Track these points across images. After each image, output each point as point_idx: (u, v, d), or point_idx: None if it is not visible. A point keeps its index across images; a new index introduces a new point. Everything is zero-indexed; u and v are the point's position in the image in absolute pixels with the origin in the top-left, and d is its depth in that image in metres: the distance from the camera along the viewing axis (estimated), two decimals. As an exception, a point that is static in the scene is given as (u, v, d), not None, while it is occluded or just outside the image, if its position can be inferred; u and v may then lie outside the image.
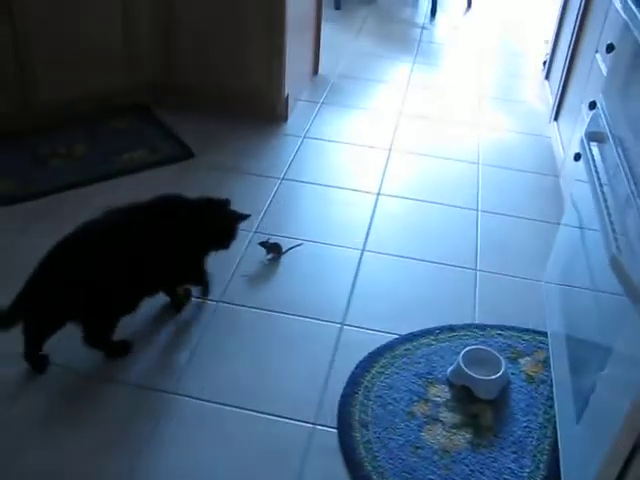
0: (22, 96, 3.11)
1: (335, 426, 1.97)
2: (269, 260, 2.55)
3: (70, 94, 3.23)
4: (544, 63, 4.12)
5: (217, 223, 2.25)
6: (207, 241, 2.26)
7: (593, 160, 1.86)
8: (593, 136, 1.97)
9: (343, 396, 2.05)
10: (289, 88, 3.40)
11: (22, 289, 1.97)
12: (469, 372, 2.06)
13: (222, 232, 2.28)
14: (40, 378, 2.06)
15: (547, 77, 3.95)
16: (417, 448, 1.92)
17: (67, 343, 2.16)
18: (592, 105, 2.18)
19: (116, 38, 3.24)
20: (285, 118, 3.46)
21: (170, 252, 2.11)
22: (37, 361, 2.08)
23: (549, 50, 3.95)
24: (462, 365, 2.08)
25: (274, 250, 2.56)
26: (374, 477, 1.83)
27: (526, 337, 2.30)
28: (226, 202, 2.29)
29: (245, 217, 2.32)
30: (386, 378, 2.11)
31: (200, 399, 2.02)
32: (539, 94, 3.99)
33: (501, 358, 2.13)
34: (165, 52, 3.37)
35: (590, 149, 1.92)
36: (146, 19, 3.27)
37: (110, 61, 3.27)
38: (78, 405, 2.00)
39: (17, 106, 3.12)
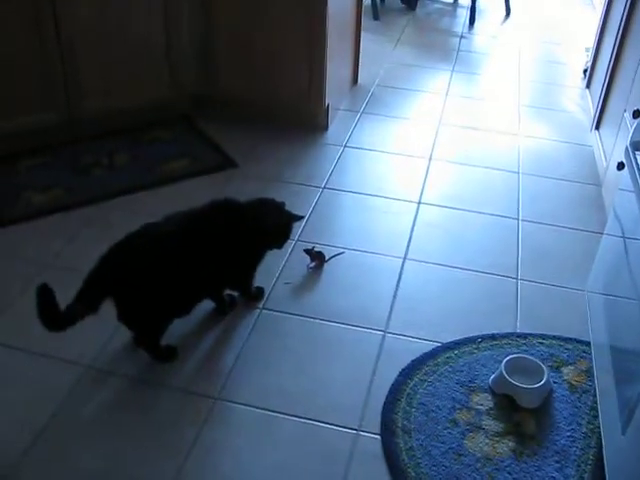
0: (67, 108, 3.19)
1: (378, 432, 1.99)
2: (312, 268, 2.59)
3: (113, 105, 3.30)
4: (584, 71, 4.11)
5: (274, 221, 2.31)
6: (264, 239, 2.31)
7: (638, 169, 1.86)
8: (638, 145, 1.97)
9: (386, 403, 2.07)
10: (329, 98, 3.44)
11: (82, 286, 2.04)
12: (512, 380, 2.07)
13: (278, 231, 2.35)
14: (88, 383, 2.11)
15: (588, 86, 3.94)
16: (460, 455, 1.93)
17: (114, 347, 2.23)
18: (637, 114, 2.18)
19: (159, 50, 3.31)
20: (326, 127, 3.50)
21: (229, 252, 2.18)
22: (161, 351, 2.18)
23: (590, 58, 3.94)
24: (504, 373, 2.09)
25: (317, 258, 2.59)
26: (417, 484, 1.85)
27: (569, 346, 2.30)
28: (281, 204, 2.37)
29: (300, 218, 2.42)
30: (428, 385, 2.13)
31: (245, 404, 2.05)
32: (579, 103, 3.98)
33: (544, 367, 2.13)
34: (206, 63, 3.43)
35: (635, 158, 1.92)
36: (188, 31, 3.34)
37: (153, 73, 3.34)
38: (125, 409, 2.05)
39: (62, 117, 3.21)
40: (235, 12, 3.30)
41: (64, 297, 2.36)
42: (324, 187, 3.07)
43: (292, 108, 3.46)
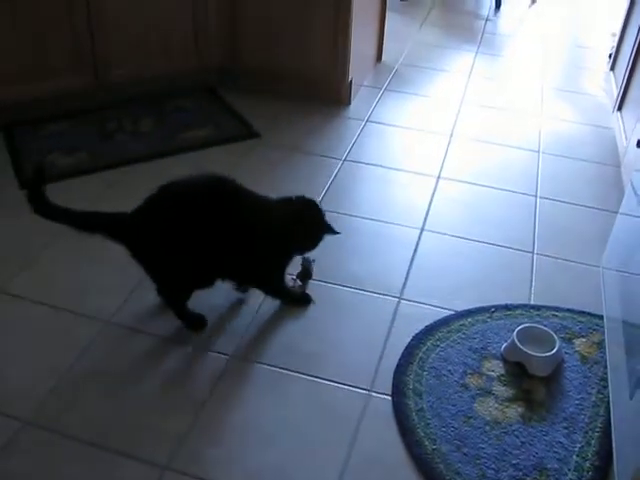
0: (94, 74, 3.24)
1: (389, 394, 2.02)
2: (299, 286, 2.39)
3: (139, 73, 3.35)
4: (610, 55, 4.09)
5: (309, 230, 2.20)
6: (289, 245, 2.20)
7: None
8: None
9: (398, 366, 2.11)
10: (353, 73, 3.46)
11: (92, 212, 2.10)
12: (523, 348, 2.09)
13: (310, 239, 2.22)
14: (107, 338, 2.16)
15: (612, 68, 3.92)
16: (469, 418, 1.96)
17: (133, 306, 2.28)
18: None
19: (187, 19, 3.35)
20: (348, 102, 3.52)
21: (245, 241, 2.07)
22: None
23: (615, 42, 3.92)
24: (517, 341, 2.11)
25: (304, 277, 2.40)
26: (426, 443, 1.89)
27: (582, 319, 2.32)
28: (321, 211, 2.23)
29: (335, 232, 2.23)
30: (441, 351, 2.16)
31: (259, 362, 2.10)
32: (603, 86, 3.97)
33: (555, 337, 2.15)
34: (232, 34, 3.47)
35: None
36: (215, 1, 3.37)
37: (180, 42, 3.38)
38: (141, 363, 2.10)
39: (89, 83, 3.26)
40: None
41: (85, 257, 2.43)
42: (344, 159, 3.10)
43: (316, 82, 3.49)
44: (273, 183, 2.90)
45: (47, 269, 2.43)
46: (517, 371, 2.11)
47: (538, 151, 3.28)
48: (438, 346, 2.18)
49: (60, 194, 2.75)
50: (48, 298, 2.30)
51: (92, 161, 3.01)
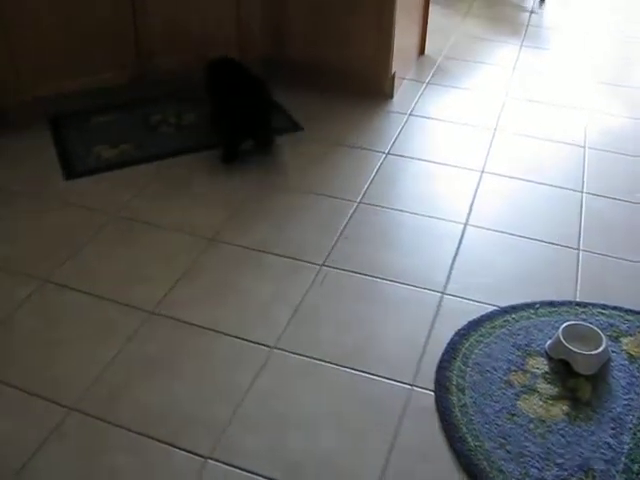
0: (139, 66, 3.27)
1: (432, 389, 2.01)
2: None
3: (183, 66, 3.36)
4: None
5: None
6: None
7: None
8: None
9: (441, 361, 2.09)
10: (396, 67, 3.44)
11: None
12: (569, 346, 2.06)
13: None
14: (151, 327, 2.18)
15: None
16: (513, 415, 1.94)
17: (175, 296, 2.29)
18: None
19: (230, 12, 3.36)
20: (391, 95, 3.50)
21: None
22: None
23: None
24: (562, 339, 2.08)
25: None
26: (469, 439, 1.87)
27: (629, 317, 2.27)
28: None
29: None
30: (484, 347, 2.14)
31: (301, 354, 2.10)
32: (652, 80, 3.89)
33: (602, 334, 2.12)
34: (276, 27, 3.47)
35: None
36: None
37: (223, 35, 3.39)
38: (184, 352, 2.11)
39: (133, 76, 3.29)
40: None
41: (130, 248, 2.46)
42: (388, 153, 3.08)
43: (359, 75, 3.47)
44: (317, 176, 2.91)
45: (92, 259, 2.46)
46: (562, 369, 2.08)
47: (584, 146, 3.23)
48: (482, 342, 2.15)
49: (105, 186, 2.83)
50: (93, 288, 2.33)
51: (137, 153, 3.04)
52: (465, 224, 2.66)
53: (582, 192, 2.89)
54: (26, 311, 2.25)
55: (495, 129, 3.32)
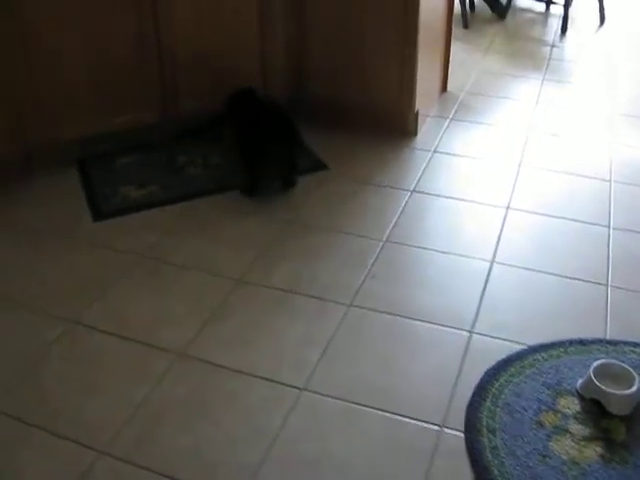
0: (163, 108, 3.32)
1: (462, 430, 1.99)
2: None
3: (207, 106, 3.40)
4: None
5: None
6: None
7: None
8: None
9: (471, 401, 2.07)
10: (419, 104, 3.46)
11: None
12: (601, 385, 2.04)
13: None
14: (179, 369, 2.19)
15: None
16: (545, 457, 1.91)
17: (204, 336, 2.30)
18: None
19: (253, 52, 3.42)
20: (415, 132, 3.52)
21: None
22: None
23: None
24: (593, 378, 2.06)
25: None
26: (502, 482, 1.85)
27: (661, 355, 2.25)
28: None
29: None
30: (514, 386, 2.12)
31: (331, 396, 2.09)
32: (676, 112, 3.88)
33: (634, 373, 2.09)
34: (299, 65, 3.52)
35: None
36: (281, 34, 3.43)
37: (247, 75, 3.43)
38: (214, 394, 2.11)
39: (159, 117, 3.33)
40: (328, 16, 3.37)
41: (158, 289, 2.48)
42: (413, 190, 3.09)
43: (382, 113, 3.50)
44: (343, 215, 2.93)
45: (120, 301, 2.48)
46: (594, 409, 2.05)
47: (609, 180, 3.22)
48: (511, 382, 2.14)
49: (132, 226, 2.86)
50: (122, 329, 2.34)
51: (163, 194, 3.07)
52: (492, 261, 2.66)
53: (609, 227, 2.88)
54: (56, 353, 2.27)
55: (519, 164, 3.32)
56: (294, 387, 2.12)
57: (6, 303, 2.47)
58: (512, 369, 2.18)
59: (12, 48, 2.90)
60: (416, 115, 3.47)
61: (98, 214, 2.95)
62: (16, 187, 3.08)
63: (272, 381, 2.14)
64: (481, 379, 2.15)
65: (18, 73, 2.96)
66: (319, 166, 3.26)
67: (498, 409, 2.05)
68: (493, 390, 2.11)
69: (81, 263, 2.67)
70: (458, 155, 3.40)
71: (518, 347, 2.26)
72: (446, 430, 1.99)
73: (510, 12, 5.40)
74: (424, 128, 3.60)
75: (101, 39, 3.10)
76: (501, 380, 2.14)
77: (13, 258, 2.70)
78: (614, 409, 2.03)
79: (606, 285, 2.55)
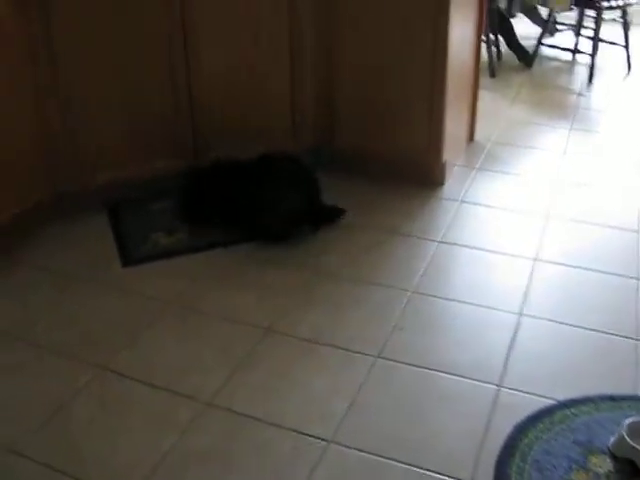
0: (194, 156, 3.38)
1: (491, 487, 1.97)
2: None
3: (236, 155, 3.44)
4: None
5: None
6: None
7: None
8: None
9: (499, 457, 2.05)
10: (446, 154, 3.48)
11: None
12: (634, 444, 2.00)
13: None
14: (206, 421, 2.18)
15: None
16: (576, 517, 1.88)
17: (233, 385, 2.30)
18: None
19: (284, 102, 3.48)
20: (442, 183, 3.54)
21: None
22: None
23: None
24: (626, 436, 2.03)
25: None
26: (532, 542, 1.82)
27: (694, 413, 2.21)
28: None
29: None
30: (544, 443, 2.09)
31: (357, 449, 2.08)
32: None
33: (668, 432, 2.06)
34: (327, 116, 3.56)
35: None
36: (311, 83, 3.49)
37: (276, 125, 3.50)
38: (239, 446, 2.10)
39: (190, 165, 3.37)
40: (358, 66, 3.42)
41: (187, 336, 2.50)
42: (440, 241, 3.10)
43: (409, 163, 3.52)
44: (370, 265, 2.94)
45: (149, 348, 2.50)
46: (627, 468, 2.01)
47: (638, 230, 3.20)
48: (541, 438, 2.11)
49: (161, 273, 2.89)
50: (150, 377, 2.35)
51: (192, 241, 3.11)
52: (520, 314, 2.64)
53: (638, 279, 2.86)
54: (84, 399, 2.28)
55: (547, 215, 3.32)
56: (321, 439, 2.11)
57: (36, 347, 2.50)
58: (541, 425, 2.15)
59: (47, 97, 2.99)
60: (443, 165, 3.50)
61: (128, 259, 2.99)
62: (48, 230, 3.13)
63: (299, 432, 2.13)
64: (510, 434, 2.12)
65: (54, 121, 3.04)
66: (344, 214, 3.26)
67: (527, 466, 2.02)
68: (522, 446, 2.08)
69: (110, 308, 2.70)
70: (485, 205, 3.41)
71: (547, 402, 2.24)
72: (475, 487, 1.97)
73: (537, 61, 5.44)
74: (451, 178, 3.62)
75: (134, 90, 3.18)
76: (530, 436, 2.12)
77: (43, 301, 2.74)
78: (647, 469, 1.99)
79: (636, 339, 2.52)
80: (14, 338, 2.55)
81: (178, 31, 3.16)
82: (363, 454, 2.06)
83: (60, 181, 3.16)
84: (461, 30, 3.44)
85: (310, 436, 2.12)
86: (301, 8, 3.33)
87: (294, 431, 2.14)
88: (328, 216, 3.18)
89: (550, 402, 2.24)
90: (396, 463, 2.03)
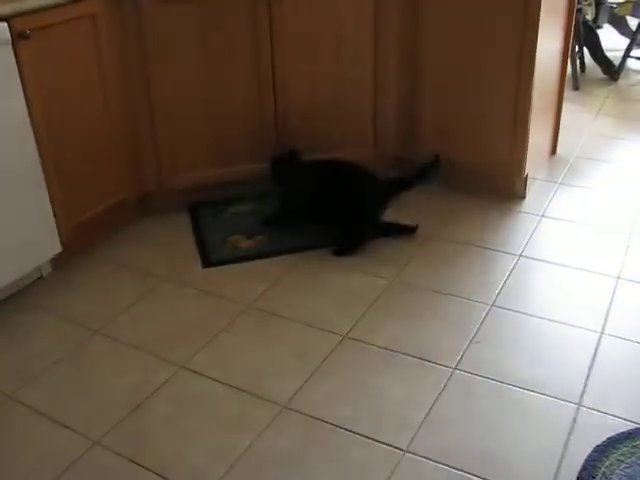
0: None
1: (570, 509, 1.94)
2: None
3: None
4: None
5: None
6: None
7: None
8: None
9: (580, 478, 2.01)
10: (529, 167, 3.44)
11: None
12: None
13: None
14: (282, 425, 2.21)
15: None
16: None
17: (310, 389, 2.32)
18: None
19: (365, 108, 3.51)
20: (523, 196, 3.49)
21: None
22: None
23: None
24: None
25: None
26: None
27: None
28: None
29: None
30: (626, 467, 2.04)
31: (432, 460, 2.07)
32: None
33: None
34: (409, 127, 3.56)
35: None
36: (393, 90, 3.50)
37: (359, 135, 3.55)
38: (313, 451, 2.11)
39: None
40: (441, 75, 3.41)
41: (265, 339, 2.53)
42: (520, 255, 3.06)
43: (491, 175, 3.49)
44: (448, 276, 2.92)
45: (226, 349, 2.54)
46: None
47: None
48: (623, 462, 2.06)
49: (240, 276, 2.94)
50: (227, 377, 2.40)
51: (272, 245, 3.15)
52: (601, 332, 2.59)
53: None
54: (163, 396, 2.34)
55: (630, 232, 3.24)
56: (396, 448, 2.11)
57: (114, 342, 2.59)
58: (624, 448, 2.10)
59: (141, 109, 3.13)
60: (525, 178, 3.45)
61: (207, 261, 3.05)
62: (130, 228, 3.25)
63: (374, 440, 2.14)
64: (589, 455, 2.07)
65: (143, 127, 3.17)
66: (422, 224, 3.26)
67: (608, 489, 1.98)
68: (603, 469, 2.04)
69: (190, 308, 2.76)
70: (567, 220, 3.34)
71: (628, 425, 2.18)
72: (552, 507, 1.94)
73: (623, 74, 5.32)
74: (532, 191, 3.57)
75: (222, 101, 3.28)
76: (611, 459, 2.07)
77: (125, 298, 2.83)
78: None
79: None
80: (93, 332, 2.65)
81: (266, 47, 3.25)
82: (438, 465, 2.05)
83: (144, 182, 3.26)
84: (549, 43, 3.39)
85: (385, 444, 2.12)
86: (385, 23, 3.36)
87: (369, 438, 2.15)
88: (399, 231, 3.21)
89: (632, 425, 2.19)
90: (471, 476, 2.02)
